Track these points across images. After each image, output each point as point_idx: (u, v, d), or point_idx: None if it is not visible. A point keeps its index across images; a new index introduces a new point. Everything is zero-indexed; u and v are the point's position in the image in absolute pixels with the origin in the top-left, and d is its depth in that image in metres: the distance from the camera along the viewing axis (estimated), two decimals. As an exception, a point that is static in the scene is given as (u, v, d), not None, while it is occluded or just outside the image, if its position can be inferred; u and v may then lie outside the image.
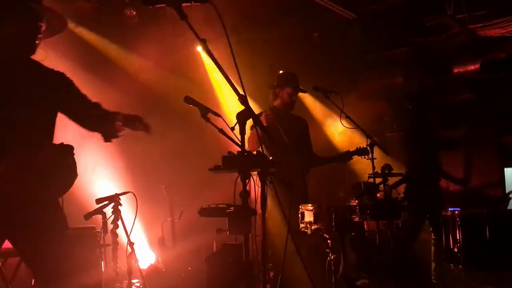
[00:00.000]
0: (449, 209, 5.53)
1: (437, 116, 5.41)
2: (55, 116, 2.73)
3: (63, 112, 2.77)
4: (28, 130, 2.49)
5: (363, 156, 4.64)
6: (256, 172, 2.89)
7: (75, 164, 2.64)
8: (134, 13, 5.95)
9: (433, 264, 5.02)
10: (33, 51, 2.62)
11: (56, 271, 2.57)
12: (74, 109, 2.79)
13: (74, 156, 2.64)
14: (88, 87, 3.00)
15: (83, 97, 2.82)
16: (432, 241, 5.06)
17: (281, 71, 4.95)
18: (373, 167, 4.36)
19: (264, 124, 4.18)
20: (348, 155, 4.78)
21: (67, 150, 2.62)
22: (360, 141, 4.84)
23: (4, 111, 2.42)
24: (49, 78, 2.70)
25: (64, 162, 2.60)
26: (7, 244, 2.61)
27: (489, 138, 7.40)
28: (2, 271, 4.37)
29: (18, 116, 2.46)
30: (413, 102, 5.30)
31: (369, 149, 4.51)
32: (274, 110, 4.74)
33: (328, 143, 7.85)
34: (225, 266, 4.28)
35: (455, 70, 7.22)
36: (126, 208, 4.19)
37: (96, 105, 2.85)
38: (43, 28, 2.62)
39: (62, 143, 2.64)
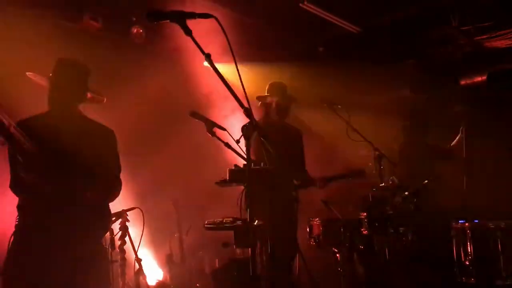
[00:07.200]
0: (460, 221, 5.44)
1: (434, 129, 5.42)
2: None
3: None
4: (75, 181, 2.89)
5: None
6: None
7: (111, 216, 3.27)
8: (141, 31, 6.00)
9: None
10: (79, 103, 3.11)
11: None
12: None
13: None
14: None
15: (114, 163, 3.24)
16: None
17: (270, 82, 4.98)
18: (381, 180, 4.35)
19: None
20: (342, 177, 4.78)
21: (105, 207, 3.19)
22: (367, 153, 4.82)
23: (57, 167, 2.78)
24: (98, 134, 3.12)
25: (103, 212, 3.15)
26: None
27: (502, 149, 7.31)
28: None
29: (70, 171, 2.86)
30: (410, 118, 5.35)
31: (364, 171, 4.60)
32: (265, 121, 4.74)
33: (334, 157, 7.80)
34: (232, 281, 4.24)
35: (462, 82, 7.20)
36: (134, 224, 4.19)
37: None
38: (89, 96, 3.16)
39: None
